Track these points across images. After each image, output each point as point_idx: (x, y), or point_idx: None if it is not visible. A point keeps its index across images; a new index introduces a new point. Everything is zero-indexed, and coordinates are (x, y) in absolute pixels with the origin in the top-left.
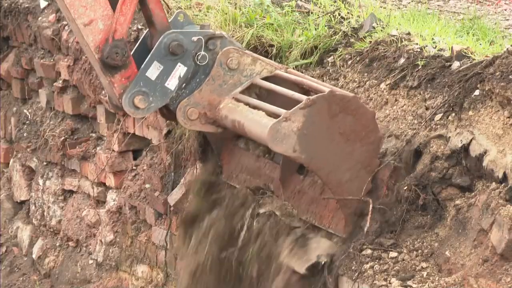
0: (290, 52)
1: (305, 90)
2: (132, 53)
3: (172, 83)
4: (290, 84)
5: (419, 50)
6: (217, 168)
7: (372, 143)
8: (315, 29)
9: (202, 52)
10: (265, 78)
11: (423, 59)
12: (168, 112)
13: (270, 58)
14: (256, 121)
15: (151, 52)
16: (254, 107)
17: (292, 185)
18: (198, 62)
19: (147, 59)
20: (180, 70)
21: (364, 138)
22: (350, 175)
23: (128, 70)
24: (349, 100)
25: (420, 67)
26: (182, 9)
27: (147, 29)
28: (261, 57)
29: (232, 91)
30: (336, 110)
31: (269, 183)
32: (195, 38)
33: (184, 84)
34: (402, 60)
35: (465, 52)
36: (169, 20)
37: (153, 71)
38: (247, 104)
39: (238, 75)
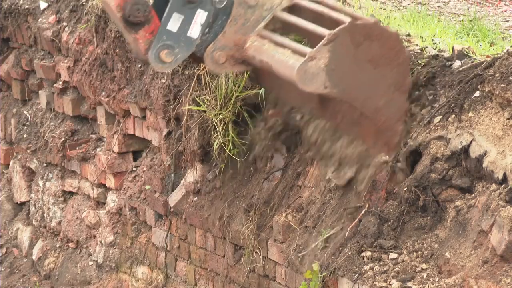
0: None
1: (327, 20)
2: (151, 5)
3: (194, 31)
4: (312, 14)
5: (419, 51)
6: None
7: (401, 63)
8: None
9: None
10: (286, 9)
11: (423, 59)
12: (195, 58)
13: None
14: (283, 61)
15: (169, 4)
16: (280, 45)
17: (331, 106)
18: (216, 6)
19: (166, 12)
20: (201, 16)
21: (393, 60)
22: (386, 99)
23: (151, 25)
24: (371, 27)
25: (420, 68)
26: None
27: None
28: None
29: (256, 27)
30: (360, 39)
31: (309, 103)
32: None
33: (207, 29)
34: None
35: (466, 52)
36: None
37: (174, 23)
38: (272, 41)
39: (259, 10)
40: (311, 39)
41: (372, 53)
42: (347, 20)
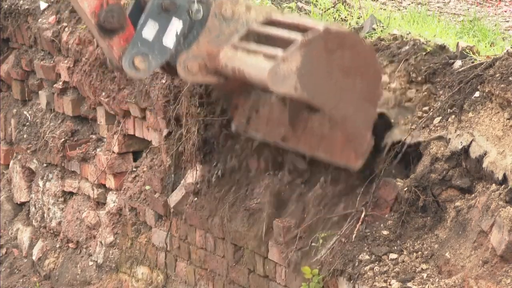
0: None
1: (302, 30)
2: (128, 14)
3: (169, 40)
4: (287, 27)
5: (424, 43)
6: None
7: (373, 75)
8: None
9: (196, 6)
10: (261, 24)
11: (426, 54)
12: (169, 68)
13: None
14: (255, 66)
15: (144, 12)
16: (253, 52)
17: (302, 124)
18: (192, 16)
19: (141, 19)
20: (176, 25)
21: (364, 72)
22: (355, 108)
23: (125, 32)
24: (345, 37)
25: (421, 63)
26: None
27: None
28: (254, 5)
29: (230, 40)
30: (333, 47)
31: (279, 126)
32: None
33: (182, 39)
34: (401, 57)
35: (467, 52)
36: None
37: (149, 30)
38: (245, 50)
39: (234, 24)
40: (286, 47)
41: (344, 62)
42: (321, 27)
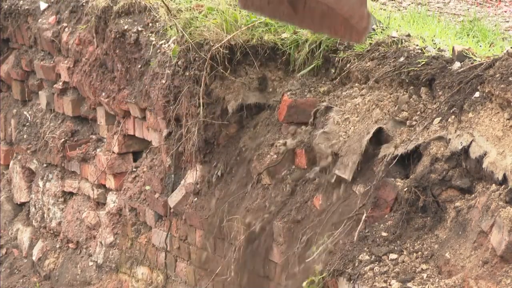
0: (298, 52)
1: None
2: None
3: None
4: None
5: (419, 51)
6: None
7: None
8: None
9: None
10: None
11: (423, 59)
12: None
13: (279, 61)
14: None
15: None
16: None
17: (301, 3)
18: None
19: None
20: None
21: None
22: None
23: None
24: None
25: (419, 69)
26: (182, 11)
27: None
28: None
29: None
30: None
31: (280, 5)
32: None
33: None
34: (401, 59)
35: (466, 53)
36: None
37: None
38: None
39: None
40: None
41: None
42: None
